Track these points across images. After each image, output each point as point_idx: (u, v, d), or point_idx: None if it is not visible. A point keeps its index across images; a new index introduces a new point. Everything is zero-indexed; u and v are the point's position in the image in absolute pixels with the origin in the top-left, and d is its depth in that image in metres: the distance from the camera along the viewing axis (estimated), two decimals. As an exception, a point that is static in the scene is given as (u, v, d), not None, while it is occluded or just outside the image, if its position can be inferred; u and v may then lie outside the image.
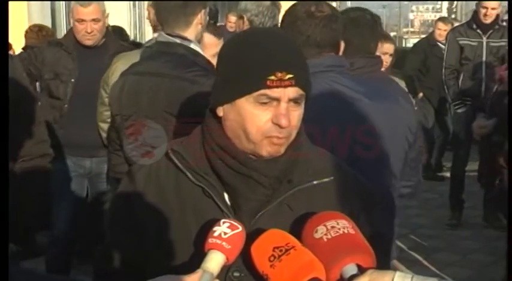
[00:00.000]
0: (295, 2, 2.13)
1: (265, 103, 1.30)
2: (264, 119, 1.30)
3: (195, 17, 2.41)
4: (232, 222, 1.26)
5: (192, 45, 2.39)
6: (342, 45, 2.10)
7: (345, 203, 1.41)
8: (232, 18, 10.70)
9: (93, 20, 3.64)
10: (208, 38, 2.72)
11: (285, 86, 1.29)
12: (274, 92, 1.29)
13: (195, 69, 2.31)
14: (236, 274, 1.32)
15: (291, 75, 1.29)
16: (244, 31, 1.86)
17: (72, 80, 3.63)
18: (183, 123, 2.18)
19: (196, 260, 1.26)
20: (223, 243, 1.22)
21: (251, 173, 1.34)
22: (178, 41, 2.37)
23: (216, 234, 1.23)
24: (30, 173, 2.39)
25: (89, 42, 3.69)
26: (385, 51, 4.20)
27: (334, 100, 1.95)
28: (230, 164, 1.35)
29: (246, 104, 1.31)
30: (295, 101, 1.32)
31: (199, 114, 2.14)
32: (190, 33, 2.41)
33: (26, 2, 7.80)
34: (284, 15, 2.10)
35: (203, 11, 2.43)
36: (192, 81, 2.25)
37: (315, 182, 1.39)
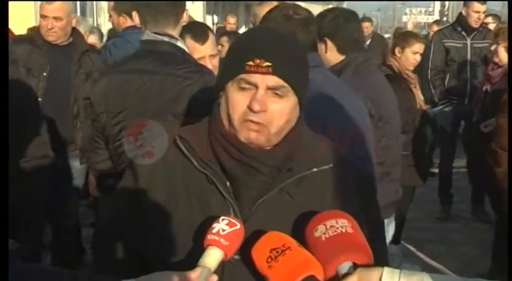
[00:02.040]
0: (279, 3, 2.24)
1: (245, 88, 1.33)
2: (243, 103, 1.33)
3: (182, 16, 2.41)
4: (231, 219, 1.27)
5: (179, 43, 2.38)
6: (318, 45, 2.23)
7: (343, 190, 1.42)
8: (231, 19, 10.76)
9: (55, 17, 3.66)
10: (189, 42, 2.68)
11: (263, 73, 1.31)
12: (252, 77, 1.31)
13: (186, 65, 2.29)
14: (236, 257, 1.32)
15: (268, 63, 1.30)
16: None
17: (44, 74, 3.65)
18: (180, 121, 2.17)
19: (198, 246, 1.27)
20: (221, 239, 1.23)
21: (251, 162, 1.35)
22: (166, 39, 2.34)
23: (214, 231, 1.24)
24: (30, 173, 2.45)
25: (50, 38, 3.71)
26: (416, 50, 4.25)
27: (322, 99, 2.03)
28: (231, 153, 1.36)
29: (231, 89, 1.35)
30: (275, 91, 1.32)
31: (193, 112, 2.13)
32: (176, 31, 2.40)
33: (32, 2, 7.75)
34: (262, 20, 2.16)
35: (186, 10, 2.45)
36: (185, 78, 2.23)
37: (314, 170, 1.40)
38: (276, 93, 1.33)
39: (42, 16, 3.68)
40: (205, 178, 1.38)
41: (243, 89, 1.33)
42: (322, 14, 2.69)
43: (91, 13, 10.22)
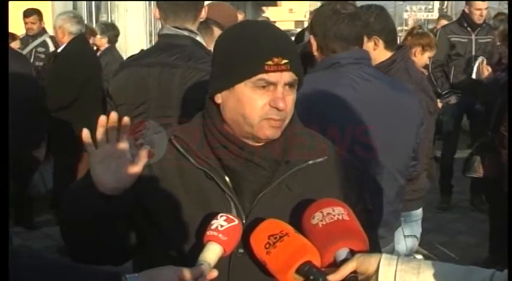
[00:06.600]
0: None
1: (263, 87, 1.29)
2: (262, 103, 1.30)
3: (201, 12, 2.37)
4: (228, 216, 1.26)
5: (198, 38, 2.35)
6: (365, 40, 2.20)
7: (338, 181, 1.41)
8: (240, 16, 10.73)
9: None
10: (218, 32, 2.66)
11: (282, 71, 1.29)
12: (272, 77, 1.29)
13: (206, 60, 2.19)
14: (241, 250, 1.31)
15: (286, 60, 1.29)
16: (238, 23, 1.78)
17: None
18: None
19: (199, 242, 1.25)
20: (220, 235, 1.22)
21: (251, 157, 1.33)
22: (186, 33, 2.31)
23: (213, 227, 1.23)
24: None
25: None
26: (432, 55, 4.24)
27: (363, 90, 2.01)
28: (231, 149, 1.33)
29: (245, 89, 1.30)
30: (290, 85, 1.32)
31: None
32: (195, 27, 2.36)
33: (50, 2, 7.75)
34: (313, 15, 2.21)
35: (204, 7, 2.41)
36: (207, 72, 2.12)
37: (310, 162, 1.38)
38: (289, 88, 1.32)
39: None
40: (204, 174, 1.34)
41: (261, 88, 1.29)
42: (365, 12, 2.47)
43: (105, 10, 10.12)
